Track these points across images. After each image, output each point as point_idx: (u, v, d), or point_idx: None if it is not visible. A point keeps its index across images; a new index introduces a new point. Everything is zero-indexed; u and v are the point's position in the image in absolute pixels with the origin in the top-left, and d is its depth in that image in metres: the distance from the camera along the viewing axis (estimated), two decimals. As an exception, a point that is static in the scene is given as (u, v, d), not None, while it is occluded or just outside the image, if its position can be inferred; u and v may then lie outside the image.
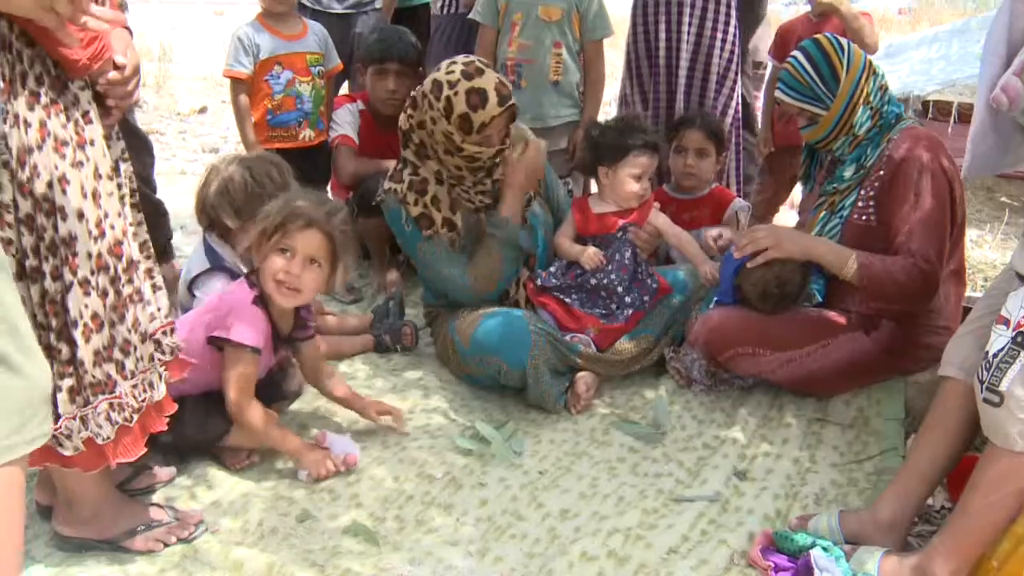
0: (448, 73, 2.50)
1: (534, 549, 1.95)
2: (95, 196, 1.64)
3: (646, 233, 2.79)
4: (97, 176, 1.65)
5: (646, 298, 2.71)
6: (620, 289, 2.70)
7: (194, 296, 2.50)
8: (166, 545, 1.89)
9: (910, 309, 2.37)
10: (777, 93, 2.56)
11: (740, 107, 3.60)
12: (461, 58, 2.56)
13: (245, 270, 2.40)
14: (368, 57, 3.41)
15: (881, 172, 2.39)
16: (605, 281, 2.71)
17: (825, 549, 1.80)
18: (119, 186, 1.70)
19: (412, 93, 2.62)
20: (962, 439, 1.86)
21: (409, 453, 2.28)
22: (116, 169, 1.71)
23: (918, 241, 2.29)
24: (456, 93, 2.46)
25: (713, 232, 2.81)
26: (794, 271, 2.44)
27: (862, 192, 2.44)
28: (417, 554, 1.91)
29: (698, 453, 2.34)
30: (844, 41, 2.50)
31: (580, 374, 2.57)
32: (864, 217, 2.42)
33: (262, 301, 2.16)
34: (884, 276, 2.29)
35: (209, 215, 2.55)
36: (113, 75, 1.66)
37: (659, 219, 2.83)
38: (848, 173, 2.48)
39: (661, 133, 3.56)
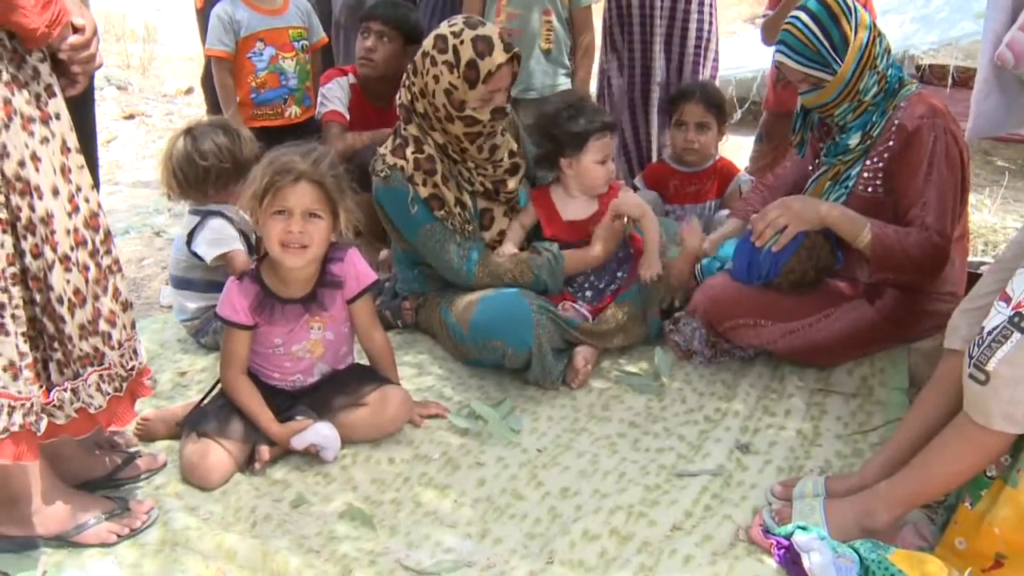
0: (451, 26, 2.46)
1: (534, 529, 1.91)
2: (64, 171, 1.58)
3: (610, 221, 2.64)
4: (66, 150, 1.60)
5: (627, 265, 2.70)
6: (602, 285, 2.68)
7: (195, 255, 2.60)
8: (120, 536, 1.83)
9: (918, 281, 2.31)
10: (778, 56, 2.35)
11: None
12: (459, 16, 2.54)
13: (239, 210, 2.47)
14: (352, 17, 3.29)
15: (891, 143, 2.30)
16: (585, 281, 2.68)
17: (803, 528, 1.76)
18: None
19: (412, 62, 2.54)
20: (958, 411, 1.81)
21: (404, 433, 2.24)
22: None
23: (933, 214, 2.21)
24: (462, 42, 2.41)
25: (724, 214, 2.65)
26: (829, 256, 2.38)
27: (868, 163, 2.34)
28: (414, 537, 1.87)
29: (700, 426, 2.29)
30: (850, 0, 2.31)
31: (578, 348, 2.52)
32: (871, 188, 2.34)
33: (252, 273, 2.15)
34: (897, 248, 2.22)
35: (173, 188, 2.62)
36: (75, 38, 1.59)
37: (627, 200, 2.67)
38: (853, 142, 2.36)
39: (638, 102, 3.51)
